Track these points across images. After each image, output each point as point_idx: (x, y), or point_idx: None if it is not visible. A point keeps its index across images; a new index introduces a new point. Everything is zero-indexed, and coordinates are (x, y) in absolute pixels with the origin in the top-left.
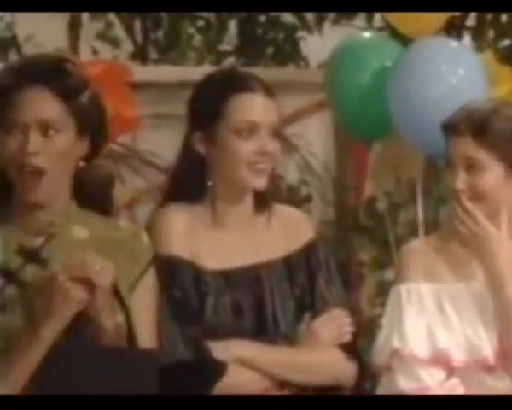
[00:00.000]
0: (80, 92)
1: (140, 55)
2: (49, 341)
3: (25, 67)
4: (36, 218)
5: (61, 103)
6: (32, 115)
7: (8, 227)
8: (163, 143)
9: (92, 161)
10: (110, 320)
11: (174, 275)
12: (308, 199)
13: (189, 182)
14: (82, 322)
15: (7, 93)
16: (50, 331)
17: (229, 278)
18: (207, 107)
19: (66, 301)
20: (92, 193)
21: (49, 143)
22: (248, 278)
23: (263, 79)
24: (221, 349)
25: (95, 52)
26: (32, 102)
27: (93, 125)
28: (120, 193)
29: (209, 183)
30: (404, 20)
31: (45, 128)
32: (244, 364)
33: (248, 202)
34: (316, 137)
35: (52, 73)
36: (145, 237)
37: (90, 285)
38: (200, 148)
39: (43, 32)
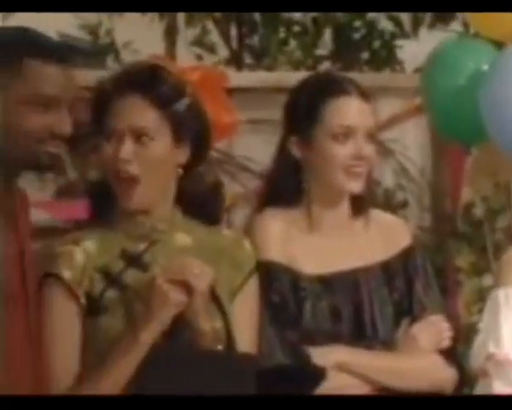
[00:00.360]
0: (176, 99)
1: (235, 61)
2: (149, 343)
3: (122, 75)
4: (139, 223)
5: (155, 111)
6: (126, 123)
7: (111, 231)
8: (258, 148)
9: (195, 168)
10: (208, 324)
11: (272, 280)
12: (404, 204)
13: (285, 186)
14: (180, 325)
15: (107, 100)
16: (149, 334)
17: (326, 282)
18: (303, 111)
19: (164, 303)
20: (199, 200)
21: (143, 150)
22: (346, 283)
23: (358, 83)
24: (320, 354)
25: (193, 58)
26: (127, 109)
27: (192, 133)
28: None
29: (304, 186)
30: (485, 21)
31: (138, 135)
32: (343, 369)
33: (345, 206)
34: (412, 141)
35: (147, 80)
36: (248, 245)
37: (188, 288)
38: (296, 152)
39: (140, 39)
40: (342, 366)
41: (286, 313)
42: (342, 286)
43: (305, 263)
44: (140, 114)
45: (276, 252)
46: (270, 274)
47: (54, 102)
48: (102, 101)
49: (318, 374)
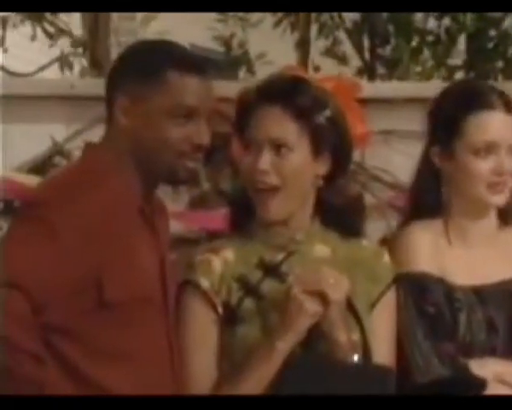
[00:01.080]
0: (317, 111)
1: (367, 71)
2: (285, 353)
3: (265, 86)
4: (277, 233)
5: (295, 122)
6: (266, 134)
7: (249, 241)
8: (390, 159)
9: (336, 180)
10: (344, 335)
11: (426, 291)
12: None
13: (428, 197)
14: (316, 335)
15: (249, 111)
16: (286, 344)
17: (480, 293)
18: (445, 123)
19: (300, 313)
20: (340, 212)
21: (281, 161)
22: (500, 294)
23: (504, 92)
24: (477, 366)
25: (325, 68)
26: (267, 120)
27: (332, 144)
28: None
29: (445, 197)
30: None
31: (277, 146)
32: (500, 381)
33: (492, 217)
34: None
35: (288, 92)
36: (387, 258)
37: (324, 299)
38: (438, 162)
39: (273, 50)
40: (500, 378)
41: (442, 324)
42: (496, 297)
43: (455, 274)
44: (280, 125)
45: (427, 264)
46: (423, 286)
47: (194, 113)
48: (244, 111)
49: (479, 385)
